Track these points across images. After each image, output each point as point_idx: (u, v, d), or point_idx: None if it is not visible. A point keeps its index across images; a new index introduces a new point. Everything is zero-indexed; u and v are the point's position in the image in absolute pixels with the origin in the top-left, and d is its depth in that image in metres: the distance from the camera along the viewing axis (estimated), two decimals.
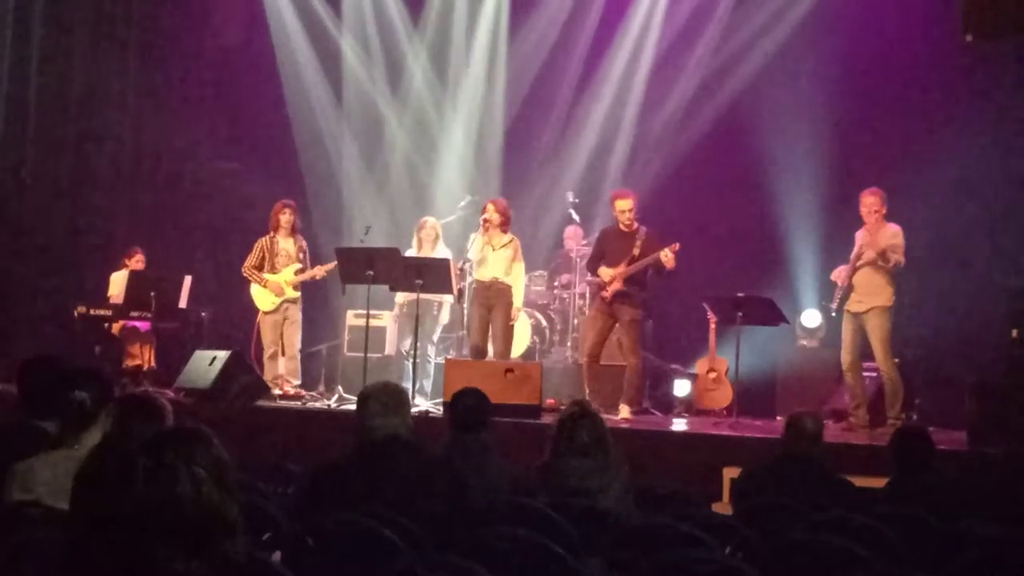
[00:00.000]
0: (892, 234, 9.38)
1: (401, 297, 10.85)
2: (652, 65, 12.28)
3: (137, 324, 11.45)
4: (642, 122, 12.23)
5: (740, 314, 9.69)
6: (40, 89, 12.29)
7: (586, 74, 12.53)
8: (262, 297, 10.95)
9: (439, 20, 12.82)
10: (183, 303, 11.49)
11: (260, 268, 10.93)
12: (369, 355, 10.53)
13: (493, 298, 10.26)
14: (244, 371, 10.06)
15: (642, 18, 12.38)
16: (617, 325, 9.96)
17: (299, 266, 10.95)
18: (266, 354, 10.94)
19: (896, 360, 9.43)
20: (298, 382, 10.94)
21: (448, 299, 10.81)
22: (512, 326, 10.51)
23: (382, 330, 11.45)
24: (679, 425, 10.05)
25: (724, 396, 10.63)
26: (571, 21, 12.51)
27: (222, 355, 10.00)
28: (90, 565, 2.13)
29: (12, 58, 12.13)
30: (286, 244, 10.99)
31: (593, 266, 10.11)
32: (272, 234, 11.01)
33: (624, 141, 12.24)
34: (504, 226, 10.33)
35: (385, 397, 4.96)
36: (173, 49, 12.87)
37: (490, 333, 10.30)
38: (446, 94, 12.85)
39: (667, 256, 9.58)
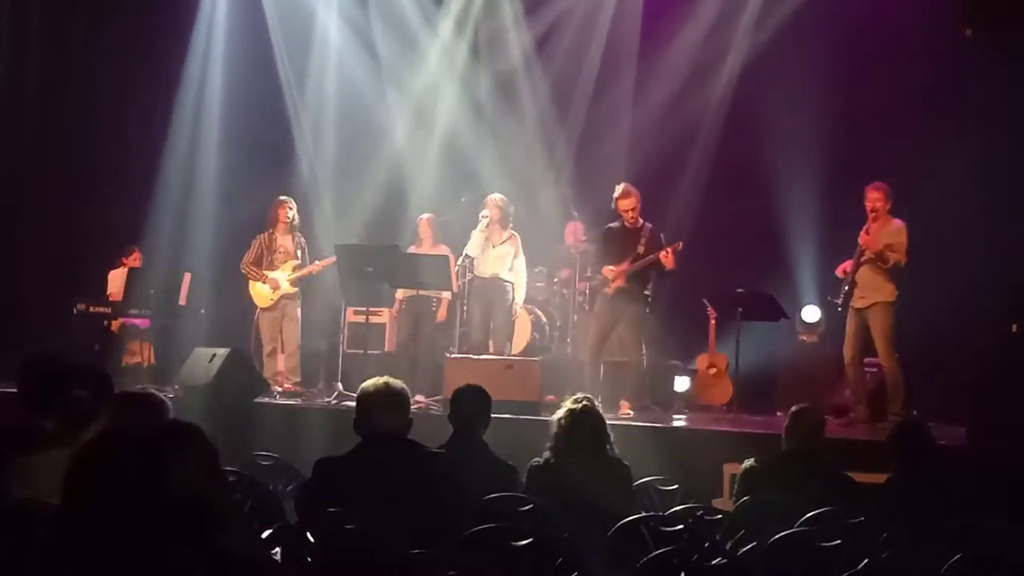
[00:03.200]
0: (895, 231, 9.36)
1: (400, 293, 10.84)
2: (651, 60, 12.25)
3: (136, 321, 11.45)
4: (641, 117, 12.19)
5: (740, 310, 9.69)
6: (38, 86, 12.27)
7: (584, 70, 12.50)
8: (260, 294, 10.95)
9: (439, 16, 12.78)
10: (182, 300, 11.49)
11: (258, 265, 10.93)
12: (369, 352, 10.53)
13: (494, 294, 10.26)
14: (243, 368, 10.05)
15: (639, 12, 12.35)
16: (619, 322, 9.96)
17: (297, 262, 10.95)
18: (265, 351, 10.94)
19: (897, 355, 9.43)
20: (297, 379, 10.94)
21: (447, 295, 10.81)
22: (512, 322, 10.51)
23: (382, 327, 11.45)
24: (679, 421, 10.05)
25: (724, 392, 10.63)
26: (570, 18, 12.47)
27: (221, 352, 9.98)
28: (85, 558, 2.13)
29: (9, 57, 12.12)
30: (284, 240, 10.99)
31: (599, 265, 10.12)
32: (270, 230, 11.01)
33: (624, 136, 12.21)
34: (504, 222, 10.34)
35: (385, 394, 4.95)
36: (172, 45, 12.84)
37: (490, 329, 10.30)
38: (446, 91, 12.81)
39: (666, 256, 9.60)
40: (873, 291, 9.36)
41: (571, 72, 12.53)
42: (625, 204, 9.90)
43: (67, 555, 2.16)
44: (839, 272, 9.60)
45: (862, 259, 9.41)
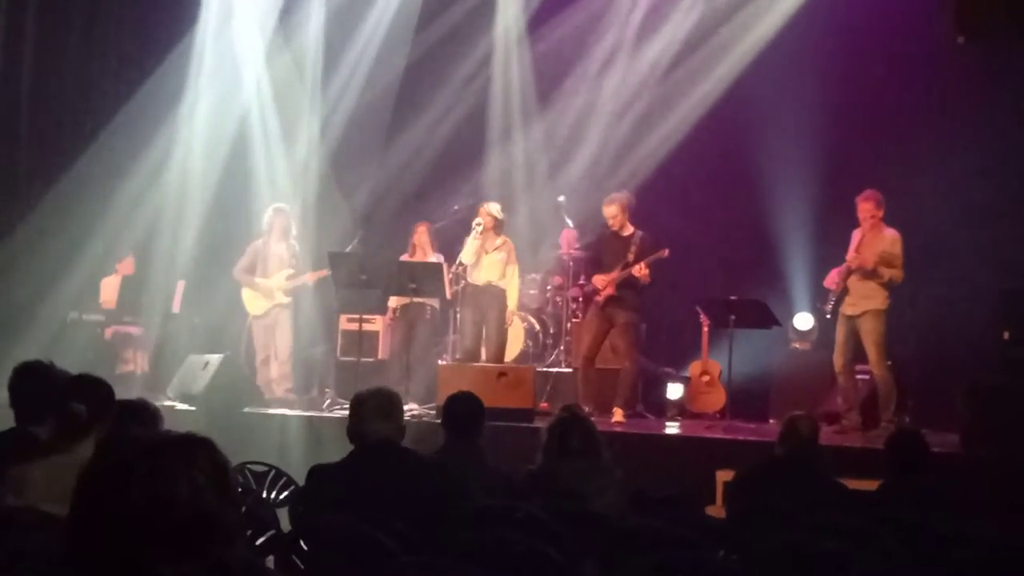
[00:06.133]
0: (890, 242, 9.33)
1: (394, 301, 10.84)
2: (646, 67, 12.28)
3: (130, 329, 11.43)
4: (636, 124, 12.22)
5: (733, 317, 9.69)
6: (33, 91, 12.25)
7: (580, 76, 12.52)
8: (253, 301, 10.94)
9: (437, 21, 12.78)
10: (176, 307, 11.48)
11: (252, 272, 10.93)
12: (362, 359, 10.53)
13: (487, 302, 10.27)
14: (237, 375, 10.06)
15: (633, 20, 12.37)
16: (612, 329, 9.97)
17: (291, 271, 10.94)
18: (258, 358, 10.93)
19: (889, 362, 9.44)
20: (291, 386, 10.93)
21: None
22: (506, 330, 10.52)
23: (375, 334, 11.44)
24: (672, 428, 10.07)
25: (717, 399, 10.63)
26: (562, 23, 12.49)
27: (215, 359, 10.00)
28: (86, 568, 2.13)
29: (5, 60, 12.10)
30: (278, 248, 10.98)
31: (591, 271, 10.15)
32: (265, 238, 11.00)
33: (617, 144, 12.23)
34: (497, 230, 10.35)
35: (378, 401, 4.95)
36: (167, 50, 12.83)
37: (483, 337, 10.31)
38: (442, 96, 12.81)
39: (641, 271, 9.63)
40: (865, 299, 9.35)
41: (566, 79, 12.55)
42: (607, 212, 9.96)
43: (67, 565, 2.16)
44: (827, 284, 9.57)
45: (854, 267, 9.40)
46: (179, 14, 12.79)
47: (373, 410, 4.91)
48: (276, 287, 10.87)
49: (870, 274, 9.28)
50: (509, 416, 8.80)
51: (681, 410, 10.84)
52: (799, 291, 11.44)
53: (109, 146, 12.60)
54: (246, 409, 9.83)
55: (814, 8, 11.41)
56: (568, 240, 11.78)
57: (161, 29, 12.87)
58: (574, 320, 11.40)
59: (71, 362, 5.36)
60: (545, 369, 10.97)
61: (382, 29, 12.70)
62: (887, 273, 9.26)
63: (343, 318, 11.27)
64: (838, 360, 9.53)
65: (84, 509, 2.17)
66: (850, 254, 9.41)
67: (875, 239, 9.37)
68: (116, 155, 12.49)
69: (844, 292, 9.42)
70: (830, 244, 10.32)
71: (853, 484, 6.10)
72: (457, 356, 10.70)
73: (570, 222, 11.77)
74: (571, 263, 11.43)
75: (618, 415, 9.74)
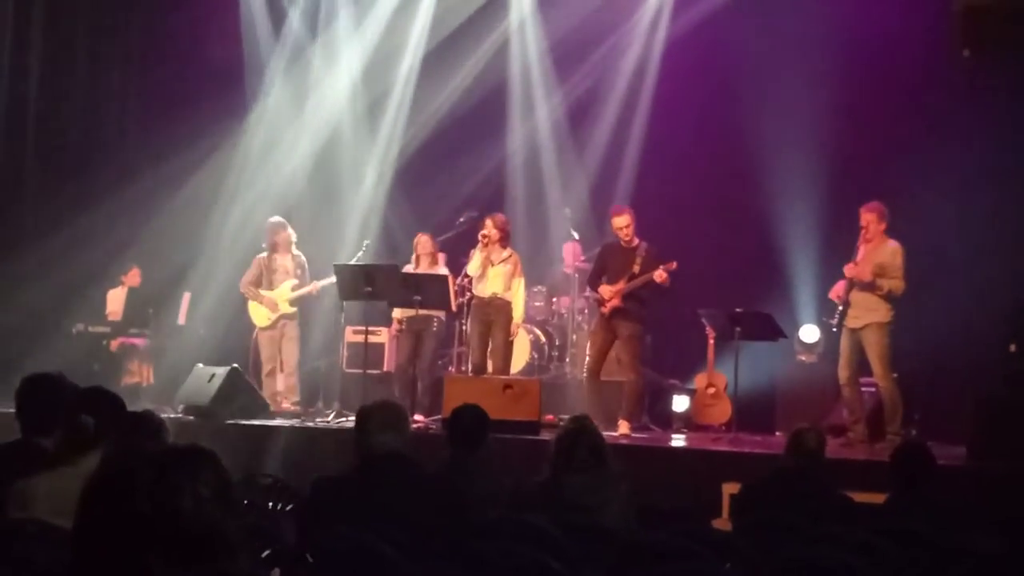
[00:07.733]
0: (890, 253, 9.31)
1: (400, 313, 10.84)
2: (653, 81, 12.30)
3: (135, 341, 11.44)
4: (642, 138, 12.24)
5: (738, 329, 9.68)
6: (39, 103, 12.29)
7: (586, 90, 12.55)
8: (258, 314, 10.95)
9: (438, 31, 12.82)
10: (182, 319, 11.49)
11: (257, 285, 10.93)
12: (368, 371, 10.53)
13: (492, 314, 10.27)
14: (243, 388, 10.06)
15: (643, 35, 12.40)
16: (617, 341, 9.96)
17: (296, 282, 10.94)
18: (264, 371, 10.94)
19: (895, 375, 9.41)
20: (296, 399, 10.94)
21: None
22: (511, 342, 10.51)
23: (381, 346, 11.45)
24: (678, 441, 10.05)
25: (723, 411, 10.62)
26: (571, 36, 12.50)
27: (221, 372, 10.00)
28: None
29: (11, 72, 12.14)
30: (283, 261, 10.99)
31: (594, 282, 10.13)
32: (270, 251, 11.00)
33: (624, 157, 12.25)
34: (503, 242, 10.35)
35: (384, 414, 4.96)
36: (174, 60, 12.86)
37: (489, 349, 10.30)
38: (444, 108, 12.83)
39: (660, 276, 9.61)
40: (867, 311, 9.33)
41: (575, 95, 12.57)
42: (618, 222, 9.94)
43: (72, 574, 2.16)
44: (832, 296, 9.57)
45: (854, 279, 9.39)
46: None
47: (379, 422, 4.91)
48: (281, 298, 10.88)
49: (868, 286, 9.27)
50: (515, 428, 8.79)
51: (687, 422, 10.83)
52: (805, 303, 11.43)
53: (119, 156, 12.67)
54: (252, 421, 9.84)
55: (819, 21, 11.41)
56: (572, 252, 11.78)
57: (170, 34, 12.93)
58: (579, 332, 11.40)
59: (76, 374, 5.36)
60: (550, 381, 10.97)
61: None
62: (885, 284, 9.24)
63: (349, 330, 11.27)
64: (843, 372, 9.50)
65: (88, 520, 2.17)
66: (848, 265, 9.42)
67: (875, 250, 9.36)
68: (126, 165, 12.55)
69: (847, 305, 9.41)
70: (836, 256, 10.29)
71: (859, 497, 6.09)
72: (463, 368, 10.69)
73: (575, 234, 11.77)
74: (576, 275, 11.42)
75: (624, 427, 9.72)
